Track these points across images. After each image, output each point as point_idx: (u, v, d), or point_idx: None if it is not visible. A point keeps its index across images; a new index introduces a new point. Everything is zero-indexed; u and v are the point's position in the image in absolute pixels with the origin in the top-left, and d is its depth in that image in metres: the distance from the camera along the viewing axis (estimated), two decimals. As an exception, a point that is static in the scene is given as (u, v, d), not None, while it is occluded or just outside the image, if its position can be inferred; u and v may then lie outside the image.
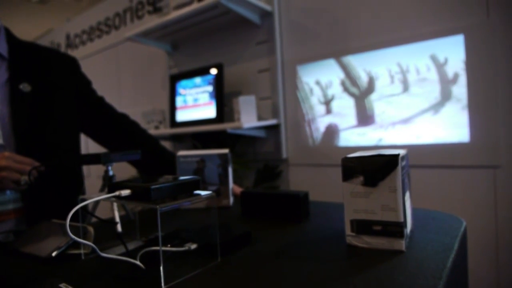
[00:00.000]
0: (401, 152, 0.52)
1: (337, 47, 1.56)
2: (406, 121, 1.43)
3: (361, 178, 0.52)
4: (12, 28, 0.98)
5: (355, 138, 1.56)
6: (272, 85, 1.75)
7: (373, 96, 1.50)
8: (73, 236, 0.41)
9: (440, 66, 1.34)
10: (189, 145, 2.04)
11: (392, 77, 1.44)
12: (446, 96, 1.33)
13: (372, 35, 1.47)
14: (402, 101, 1.43)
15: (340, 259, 0.50)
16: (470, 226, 0.69)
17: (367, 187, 0.52)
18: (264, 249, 0.57)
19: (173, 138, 2.16)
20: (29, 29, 4.78)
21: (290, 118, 1.72)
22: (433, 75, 1.35)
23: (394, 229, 0.50)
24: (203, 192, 0.52)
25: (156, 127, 2.11)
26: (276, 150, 1.75)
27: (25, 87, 0.90)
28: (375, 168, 0.51)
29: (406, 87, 1.42)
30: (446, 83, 1.33)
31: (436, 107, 1.36)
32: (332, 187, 1.55)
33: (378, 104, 1.49)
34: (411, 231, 0.58)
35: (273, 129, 1.75)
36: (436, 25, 1.33)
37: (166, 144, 2.09)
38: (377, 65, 1.48)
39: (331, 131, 1.62)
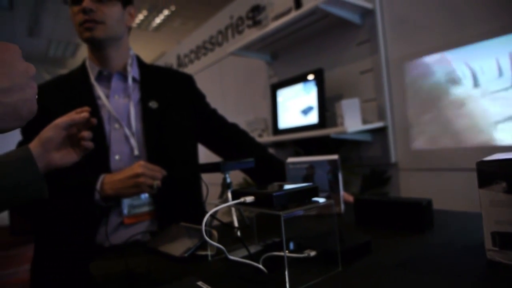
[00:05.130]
0: (557, 153, 0.44)
1: (448, 39, 1.41)
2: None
3: (503, 185, 0.46)
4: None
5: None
6: (377, 85, 1.66)
7: (475, 93, 1.31)
8: (208, 239, 0.45)
9: None
10: (291, 152, 2.07)
11: (500, 70, 1.24)
12: None
13: (487, 22, 1.28)
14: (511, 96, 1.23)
15: (480, 277, 0.44)
16: None
17: (512, 195, 0.45)
18: (386, 260, 0.54)
19: (275, 145, 2.21)
20: (147, 54, 5.49)
21: (399, 119, 1.61)
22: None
23: (553, 245, 0.42)
24: (321, 199, 0.52)
25: (260, 135, 2.19)
26: (384, 154, 1.65)
27: (153, 104, 1.03)
28: (523, 173, 0.44)
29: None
30: None
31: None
32: (453, 194, 1.40)
33: (480, 101, 1.30)
34: None
35: (380, 132, 1.66)
36: None
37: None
38: (482, 57, 1.29)
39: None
